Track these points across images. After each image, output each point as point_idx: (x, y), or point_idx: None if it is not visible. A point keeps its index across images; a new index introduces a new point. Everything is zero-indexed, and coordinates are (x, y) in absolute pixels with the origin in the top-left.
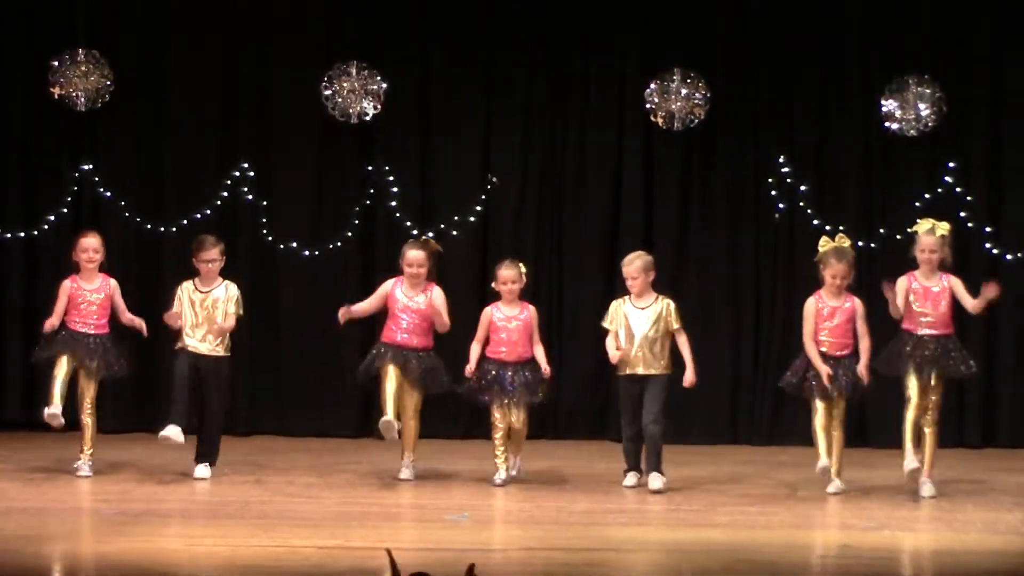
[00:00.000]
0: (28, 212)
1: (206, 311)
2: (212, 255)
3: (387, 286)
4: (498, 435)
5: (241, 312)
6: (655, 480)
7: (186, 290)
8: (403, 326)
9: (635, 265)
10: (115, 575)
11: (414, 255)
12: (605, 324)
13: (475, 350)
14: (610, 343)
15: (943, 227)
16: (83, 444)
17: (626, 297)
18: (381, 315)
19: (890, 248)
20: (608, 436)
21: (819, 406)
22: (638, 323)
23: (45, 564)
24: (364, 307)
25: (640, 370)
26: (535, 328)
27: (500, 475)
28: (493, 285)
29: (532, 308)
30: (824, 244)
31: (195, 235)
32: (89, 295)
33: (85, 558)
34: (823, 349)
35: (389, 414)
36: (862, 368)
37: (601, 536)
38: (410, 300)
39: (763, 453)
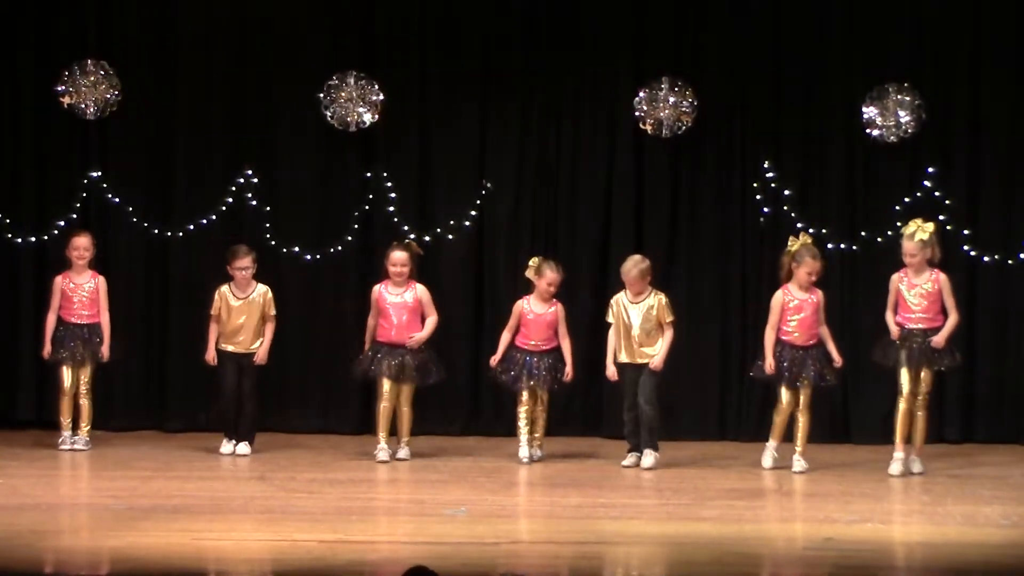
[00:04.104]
0: (39, 217)
1: (244, 314)
2: (245, 263)
3: (375, 292)
4: (522, 416)
5: (274, 312)
6: (648, 457)
7: (224, 296)
8: (394, 322)
9: (632, 274)
10: (124, 569)
11: (398, 256)
12: (608, 319)
13: (505, 338)
14: (610, 344)
15: (926, 230)
16: (81, 422)
17: (624, 292)
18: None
19: (871, 250)
20: (601, 433)
21: (784, 394)
22: (634, 317)
23: (56, 558)
24: (372, 323)
25: (636, 359)
26: (561, 322)
27: (523, 452)
28: (534, 280)
29: (560, 304)
30: (793, 243)
31: (201, 240)
32: (80, 289)
33: (95, 552)
34: (792, 340)
35: (382, 443)
36: (836, 357)
37: (593, 530)
38: (397, 297)
39: (750, 449)
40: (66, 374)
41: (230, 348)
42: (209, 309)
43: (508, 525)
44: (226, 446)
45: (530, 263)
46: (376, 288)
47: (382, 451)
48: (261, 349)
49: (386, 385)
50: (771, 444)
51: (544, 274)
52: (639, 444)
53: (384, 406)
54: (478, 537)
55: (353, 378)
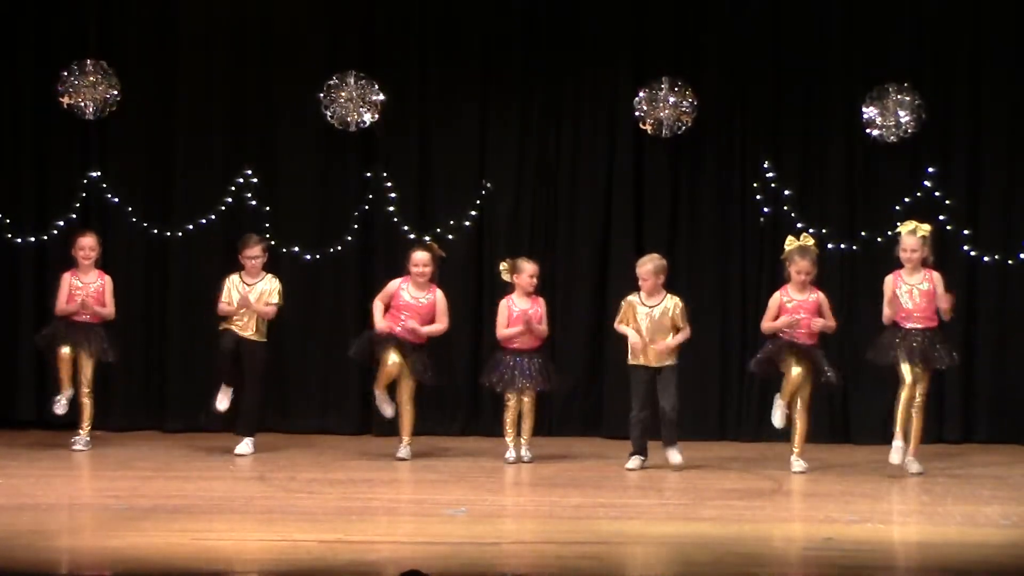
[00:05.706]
0: (39, 217)
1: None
2: (255, 252)
3: (393, 285)
4: (509, 418)
5: (281, 303)
6: (675, 455)
7: (233, 282)
8: (402, 321)
9: (646, 268)
10: (124, 569)
11: (420, 256)
12: (616, 324)
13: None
14: (628, 332)
15: (924, 228)
16: (82, 422)
17: (636, 293)
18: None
19: (871, 250)
20: (600, 433)
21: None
22: (648, 321)
23: (56, 558)
24: (381, 310)
25: (650, 362)
26: (543, 316)
27: (510, 454)
28: (514, 279)
29: (542, 300)
30: (790, 243)
31: (201, 240)
32: (85, 288)
33: (95, 552)
34: (791, 341)
35: (383, 392)
36: (821, 321)
37: (593, 530)
38: (413, 299)
39: (749, 449)
40: (63, 355)
41: (234, 328)
42: (219, 296)
43: (508, 525)
44: (222, 401)
45: (502, 266)
46: (396, 282)
47: (402, 449)
48: (261, 303)
49: (393, 356)
50: (780, 402)
51: (524, 268)
52: (644, 448)
53: (388, 371)
54: (478, 537)
55: (353, 378)
